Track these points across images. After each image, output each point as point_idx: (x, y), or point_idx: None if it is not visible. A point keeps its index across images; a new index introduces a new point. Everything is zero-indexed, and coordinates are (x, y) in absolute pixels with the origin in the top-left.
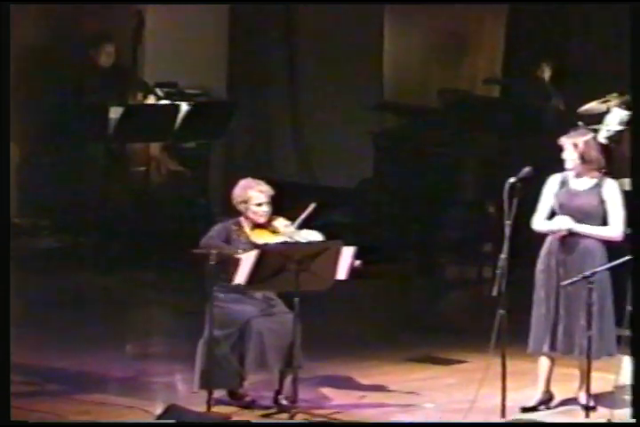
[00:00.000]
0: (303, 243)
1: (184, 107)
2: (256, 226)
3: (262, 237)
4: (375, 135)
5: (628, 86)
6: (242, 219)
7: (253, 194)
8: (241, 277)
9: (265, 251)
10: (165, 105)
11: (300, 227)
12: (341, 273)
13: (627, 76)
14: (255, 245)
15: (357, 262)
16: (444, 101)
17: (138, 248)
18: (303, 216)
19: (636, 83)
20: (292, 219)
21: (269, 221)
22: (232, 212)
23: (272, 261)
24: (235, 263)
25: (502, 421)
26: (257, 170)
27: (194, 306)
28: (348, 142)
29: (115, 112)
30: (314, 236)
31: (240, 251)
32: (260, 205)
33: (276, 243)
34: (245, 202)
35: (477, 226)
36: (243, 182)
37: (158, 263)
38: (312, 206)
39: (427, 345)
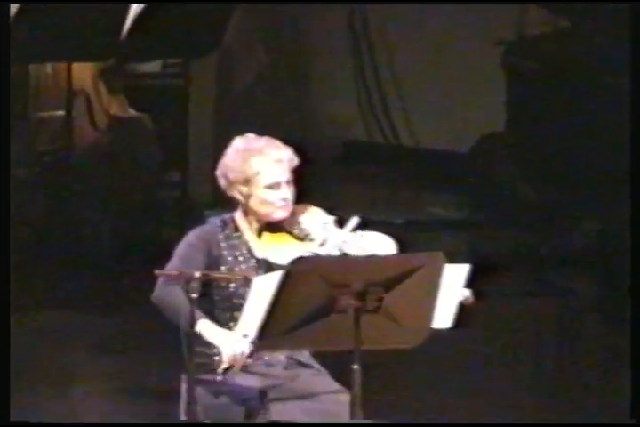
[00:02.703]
0: (369, 258)
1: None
2: (267, 226)
3: (279, 248)
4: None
5: (628, 87)
6: (239, 214)
7: (263, 166)
8: (249, 325)
9: (296, 273)
10: None
11: (357, 228)
12: (444, 316)
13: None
14: (267, 264)
15: (467, 295)
16: None
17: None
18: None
19: (635, 83)
20: (335, 209)
21: (293, 214)
22: (228, 201)
23: (308, 294)
24: (234, 295)
25: None
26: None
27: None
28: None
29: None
30: (383, 243)
31: (237, 273)
32: (275, 187)
33: (317, 256)
34: (247, 182)
35: None
36: (240, 143)
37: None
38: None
39: None
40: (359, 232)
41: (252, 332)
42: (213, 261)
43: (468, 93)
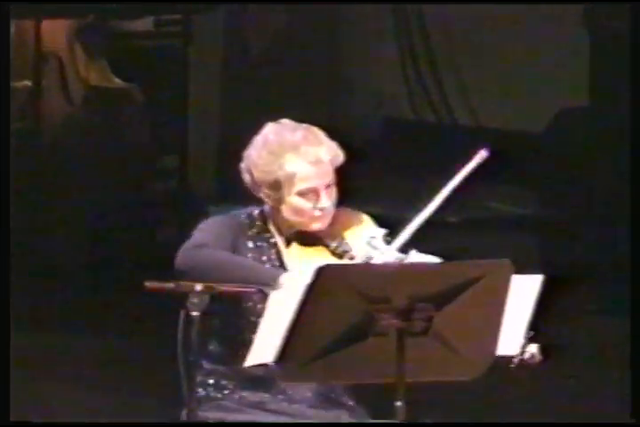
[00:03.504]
0: (415, 266)
1: None
2: (298, 235)
3: (309, 263)
4: None
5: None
6: (268, 212)
7: (298, 167)
8: (266, 350)
9: (322, 285)
10: None
11: (405, 247)
12: (511, 340)
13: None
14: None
15: (534, 352)
16: None
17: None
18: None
19: (635, 84)
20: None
21: (333, 224)
22: (242, 195)
23: (338, 311)
24: (251, 312)
25: None
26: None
27: None
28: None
29: None
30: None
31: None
32: (311, 194)
33: (348, 264)
34: (276, 185)
35: None
36: (271, 133)
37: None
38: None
39: None
40: (413, 253)
41: (269, 359)
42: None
43: (540, 62)
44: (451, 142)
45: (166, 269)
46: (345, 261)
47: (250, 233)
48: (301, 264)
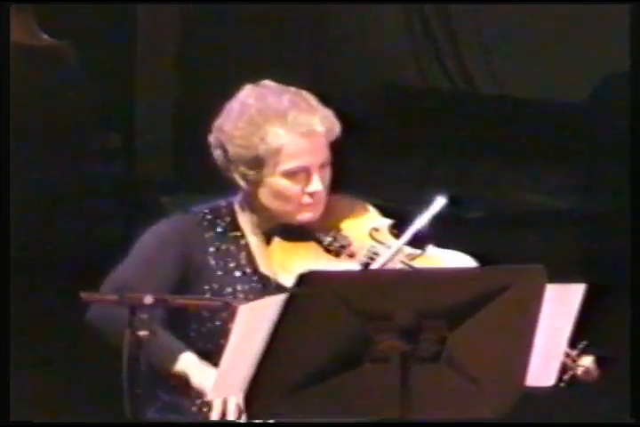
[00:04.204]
0: (422, 272)
1: None
2: (282, 228)
3: (296, 264)
4: None
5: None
6: (239, 203)
7: (285, 140)
8: (233, 379)
9: (305, 297)
10: None
11: (423, 240)
12: (545, 368)
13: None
14: (276, 287)
15: (588, 366)
16: None
17: None
18: (427, 215)
19: (635, 84)
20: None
21: (325, 214)
22: (202, 182)
23: (326, 330)
24: (220, 333)
25: None
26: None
27: None
28: None
29: None
30: (456, 259)
31: (214, 298)
32: (300, 174)
33: (338, 271)
34: (256, 163)
35: None
36: (251, 98)
37: None
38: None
39: None
40: (430, 249)
41: (236, 391)
42: (193, 276)
43: (575, 24)
44: (469, 115)
45: (108, 273)
46: (343, 259)
47: (208, 235)
48: (285, 267)
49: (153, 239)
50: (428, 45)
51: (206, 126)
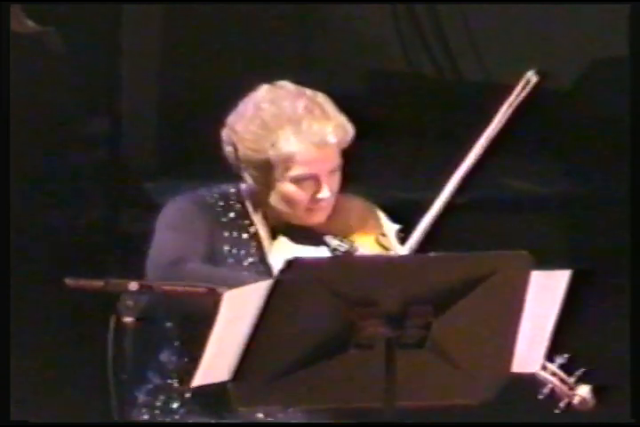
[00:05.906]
0: (408, 259)
1: None
2: (288, 226)
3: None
4: None
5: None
6: (247, 192)
7: (297, 148)
8: (219, 365)
9: (289, 283)
10: None
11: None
12: (530, 354)
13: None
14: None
15: (585, 396)
16: None
17: None
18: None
19: (635, 84)
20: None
21: (333, 216)
22: (189, 167)
23: (311, 317)
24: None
25: None
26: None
27: None
28: None
29: None
30: None
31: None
32: (309, 182)
33: (323, 258)
34: (266, 167)
35: None
36: (265, 100)
37: None
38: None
39: None
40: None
41: (222, 377)
42: (209, 256)
43: (564, 10)
44: (454, 101)
45: (92, 260)
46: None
47: (224, 219)
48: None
49: (177, 212)
50: (413, 31)
51: (192, 112)
